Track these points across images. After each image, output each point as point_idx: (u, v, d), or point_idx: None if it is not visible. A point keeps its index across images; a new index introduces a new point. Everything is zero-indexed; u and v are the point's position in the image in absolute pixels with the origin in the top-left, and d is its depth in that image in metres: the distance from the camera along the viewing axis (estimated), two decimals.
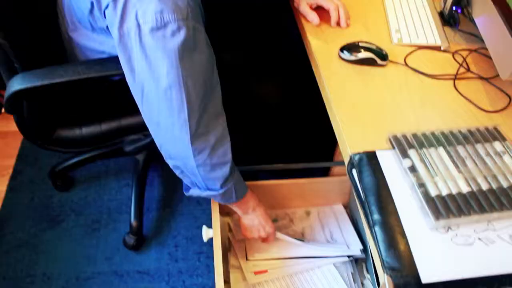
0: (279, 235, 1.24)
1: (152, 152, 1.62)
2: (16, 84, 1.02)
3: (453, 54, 1.07)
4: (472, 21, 1.08)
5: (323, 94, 1.01)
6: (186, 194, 1.06)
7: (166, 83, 0.84)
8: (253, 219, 1.15)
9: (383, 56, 1.02)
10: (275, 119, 1.48)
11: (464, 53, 1.07)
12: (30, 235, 1.55)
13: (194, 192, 1.05)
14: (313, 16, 1.13)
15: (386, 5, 1.20)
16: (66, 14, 1.07)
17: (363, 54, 1.01)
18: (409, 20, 1.15)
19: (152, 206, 1.65)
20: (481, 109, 0.94)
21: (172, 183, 1.73)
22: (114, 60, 0.95)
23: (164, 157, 0.99)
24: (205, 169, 0.95)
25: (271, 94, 1.42)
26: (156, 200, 1.67)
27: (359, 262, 1.37)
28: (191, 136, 0.89)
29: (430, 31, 1.12)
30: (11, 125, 1.88)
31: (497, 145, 0.83)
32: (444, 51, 1.08)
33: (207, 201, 1.65)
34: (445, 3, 1.16)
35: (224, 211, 1.35)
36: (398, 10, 1.18)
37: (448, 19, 1.16)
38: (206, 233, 1.16)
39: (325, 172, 1.58)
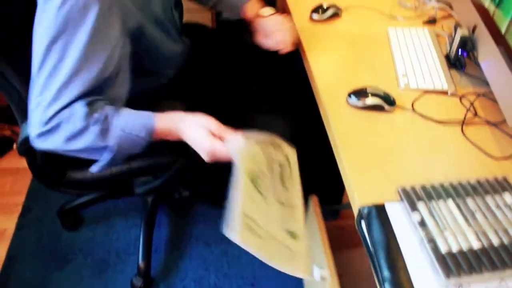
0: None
1: (162, 193, 1.62)
2: None
3: (460, 98, 1.07)
4: (478, 65, 1.09)
5: (330, 138, 1.01)
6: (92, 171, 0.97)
7: None
8: (189, 138, 0.95)
9: (391, 102, 1.03)
10: None
11: (471, 97, 1.07)
12: (38, 275, 1.55)
13: (94, 167, 0.95)
14: (268, 43, 1.20)
15: (393, 49, 1.20)
16: None
17: (370, 100, 1.02)
18: (415, 64, 1.15)
19: (160, 246, 1.64)
20: (490, 155, 0.93)
21: (180, 223, 1.72)
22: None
23: None
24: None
25: (278, 132, 1.41)
26: (164, 240, 1.66)
27: None
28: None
29: (437, 74, 1.12)
30: (21, 162, 1.88)
31: (507, 196, 0.82)
32: (451, 95, 1.08)
33: (216, 242, 1.64)
34: (451, 46, 1.17)
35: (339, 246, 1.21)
36: (405, 54, 1.18)
37: (454, 62, 1.16)
38: (319, 272, 1.04)
39: (335, 214, 1.57)
